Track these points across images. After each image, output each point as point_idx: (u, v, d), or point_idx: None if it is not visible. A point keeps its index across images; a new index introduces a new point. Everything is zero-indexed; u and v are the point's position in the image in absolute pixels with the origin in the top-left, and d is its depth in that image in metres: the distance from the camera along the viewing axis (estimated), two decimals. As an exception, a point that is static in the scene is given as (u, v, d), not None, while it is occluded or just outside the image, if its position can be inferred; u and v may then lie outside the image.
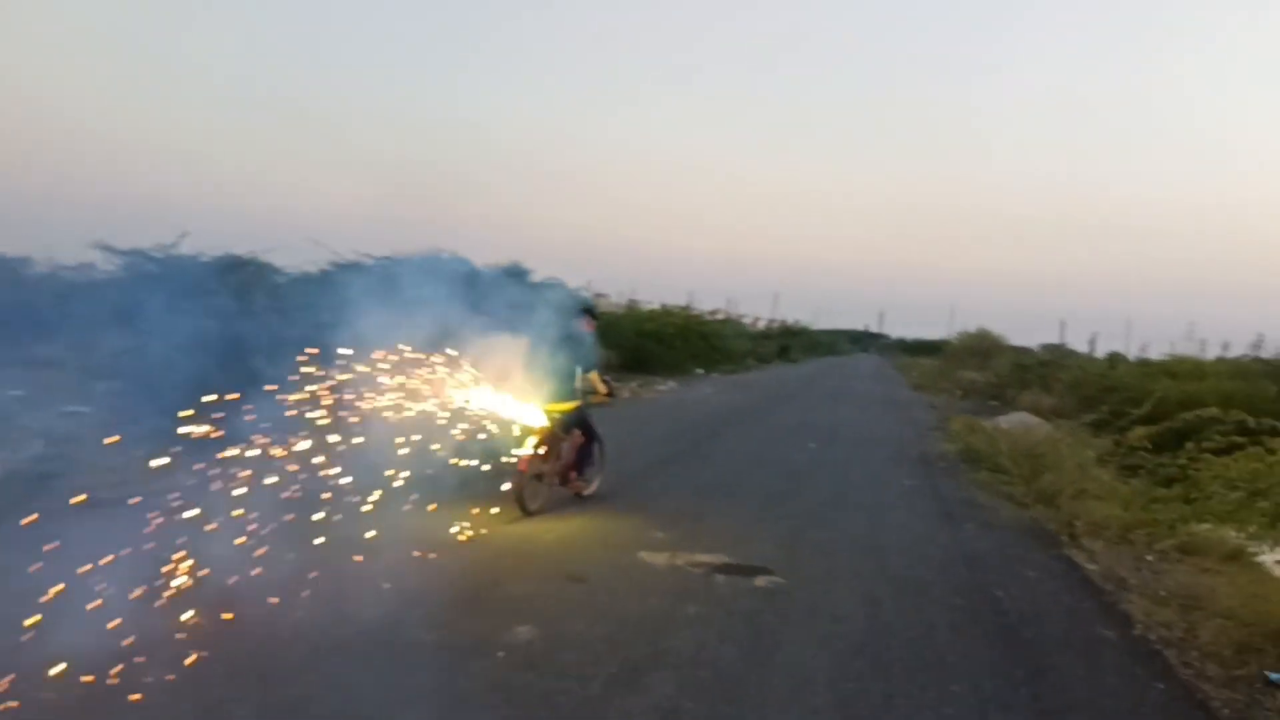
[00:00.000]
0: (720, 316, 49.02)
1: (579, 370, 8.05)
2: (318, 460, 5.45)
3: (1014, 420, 21.56)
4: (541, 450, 7.69)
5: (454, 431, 6.72)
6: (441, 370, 6.70)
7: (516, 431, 7.48)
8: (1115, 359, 34.67)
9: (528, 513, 7.41)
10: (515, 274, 28.72)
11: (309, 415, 5.62)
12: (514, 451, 7.42)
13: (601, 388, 8.28)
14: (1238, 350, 34.34)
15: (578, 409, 8.10)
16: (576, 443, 8.23)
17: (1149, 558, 8.42)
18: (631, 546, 6.64)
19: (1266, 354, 33.92)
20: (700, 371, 32.69)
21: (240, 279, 12.74)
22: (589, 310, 8.63)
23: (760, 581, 5.97)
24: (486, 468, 7.03)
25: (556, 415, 7.82)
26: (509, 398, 7.31)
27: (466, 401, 6.88)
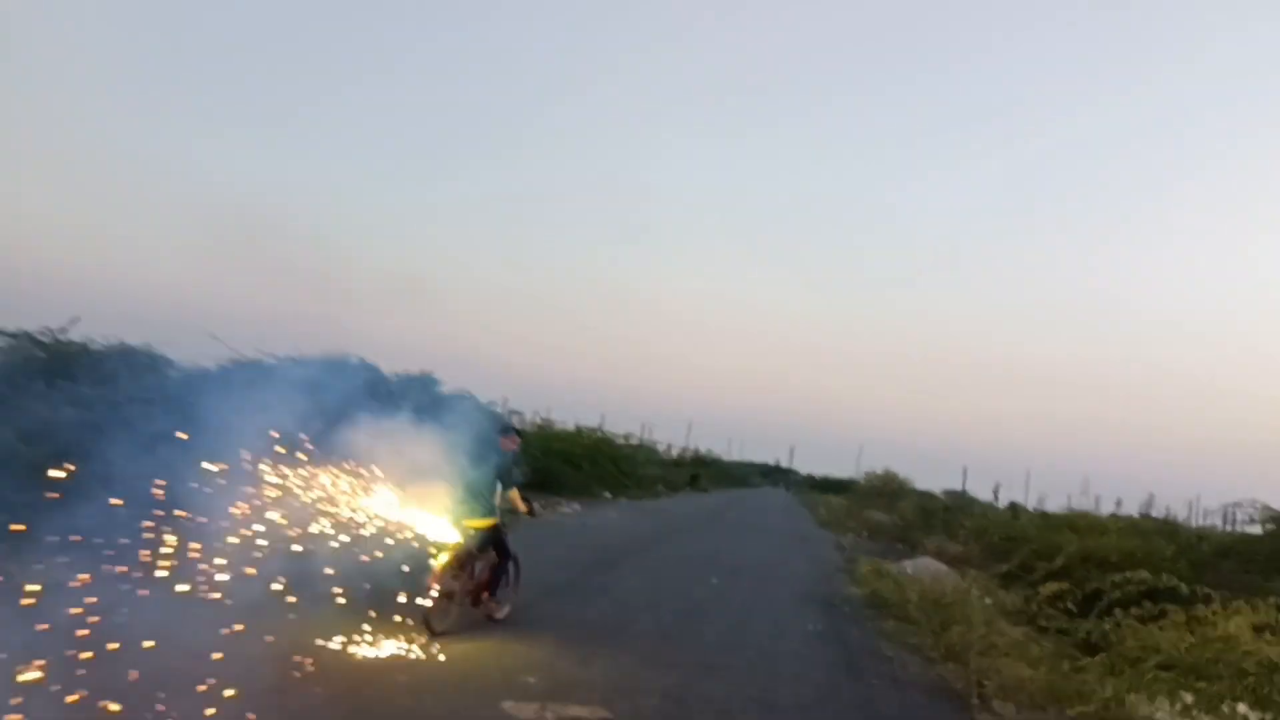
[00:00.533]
0: (634, 441, 48.51)
1: (499, 487, 7.85)
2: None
3: (920, 566, 21.17)
4: (453, 567, 7.38)
5: (351, 540, 6.61)
6: (347, 478, 6.63)
7: (429, 546, 7.29)
8: (1016, 509, 35.12)
9: (434, 633, 6.99)
10: (425, 384, 27.77)
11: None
12: (430, 566, 7.18)
13: (522, 506, 8.13)
14: (1130, 507, 35.31)
15: (495, 527, 7.85)
16: (491, 562, 7.92)
17: (1063, 725, 7.86)
18: (497, 692, 5.74)
19: (1157, 513, 34.94)
20: (608, 495, 31.78)
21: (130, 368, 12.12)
22: (512, 428, 8.44)
23: (640, 746, 5.14)
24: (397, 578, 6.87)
25: (473, 532, 7.57)
26: (423, 510, 7.16)
27: (371, 512, 6.77)
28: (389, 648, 6.53)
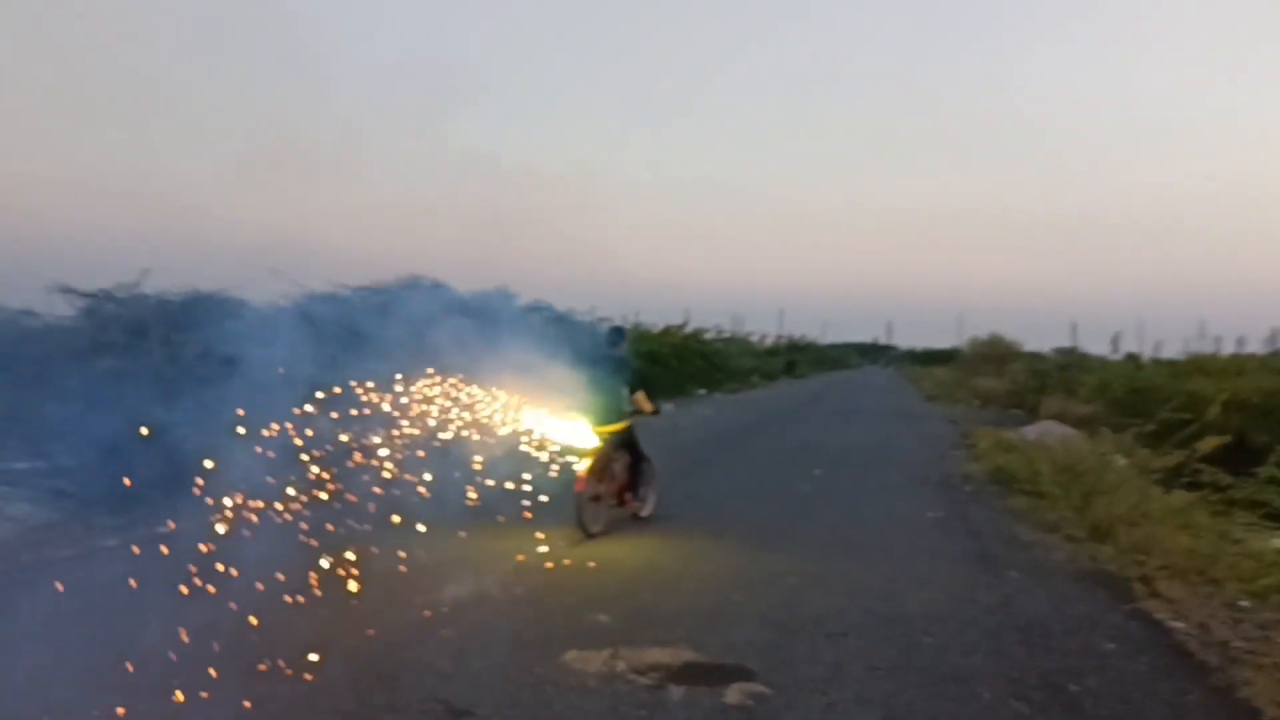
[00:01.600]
0: (724, 335, 47.41)
1: (625, 391, 8.14)
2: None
3: (1042, 430, 19.66)
4: (596, 471, 7.70)
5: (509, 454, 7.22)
6: (495, 397, 7.17)
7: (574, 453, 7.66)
8: (1137, 360, 32.72)
9: (590, 535, 7.49)
10: (501, 298, 27.03)
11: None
12: (576, 472, 7.54)
13: (648, 406, 8.38)
14: (1253, 346, 32.49)
15: (627, 429, 8.16)
16: (627, 463, 8.22)
17: (1244, 603, 6.59)
18: (560, 640, 4.83)
19: None
20: (702, 392, 30.95)
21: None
22: (623, 333, 8.69)
23: (733, 696, 4.13)
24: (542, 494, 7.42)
25: (608, 436, 7.86)
26: (562, 420, 7.57)
27: (521, 425, 7.32)
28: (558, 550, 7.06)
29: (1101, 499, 8.44)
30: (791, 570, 6.60)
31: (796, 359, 61.59)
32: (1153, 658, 5.01)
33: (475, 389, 7.12)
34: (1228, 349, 32.90)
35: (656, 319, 36.24)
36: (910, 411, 26.63)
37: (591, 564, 6.76)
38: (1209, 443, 7.89)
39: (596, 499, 7.73)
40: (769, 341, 65.60)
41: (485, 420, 7.20)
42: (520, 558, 6.82)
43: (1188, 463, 9.06)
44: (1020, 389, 30.78)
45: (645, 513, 8.41)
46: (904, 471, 12.51)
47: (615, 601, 5.66)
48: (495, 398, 7.23)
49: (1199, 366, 24.40)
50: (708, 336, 41.99)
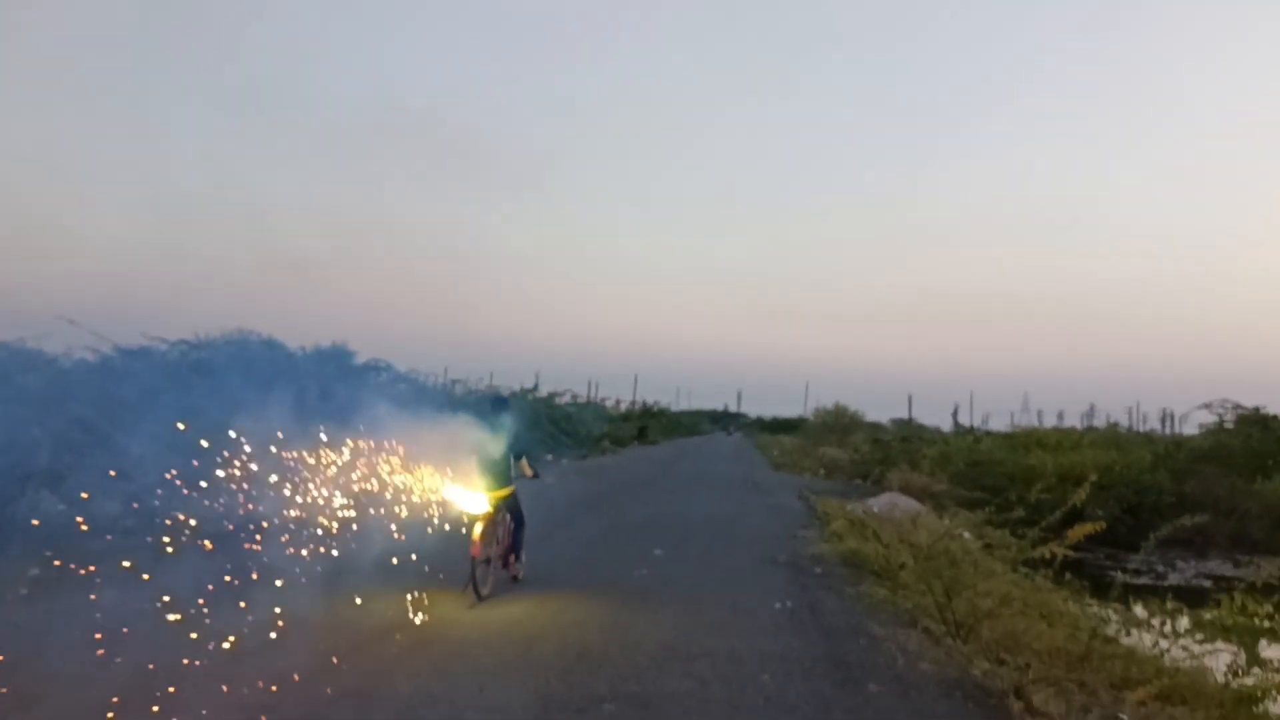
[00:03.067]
0: (579, 400, 46.32)
1: (512, 458, 8.36)
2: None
3: (888, 502, 19.30)
4: (487, 535, 7.84)
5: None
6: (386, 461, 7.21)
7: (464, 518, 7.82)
8: (974, 433, 33.59)
9: (480, 598, 7.59)
10: (337, 355, 24.89)
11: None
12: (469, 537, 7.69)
13: (529, 471, 8.73)
14: (1072, 419, 34.32)
15: (513, 494, 8.38)
16: (509, 528, 8.42)
17: (1122, 716, 5.80)
18: None
19: (1098, 423, 33.96)
20: (549, 457, 29.52)
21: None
22: (505, 401, 8.93)
23: None
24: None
25: (497, 501, 8.03)
26: (458, 486, 7.72)
27: (417, 490, 7.41)
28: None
29: (964, 590, 7.59)
30: (614, 694, 5.32)
31: (648, 425, 60.99)
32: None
33: (369, 454, 7.15)
34: (1049, 422, 34.45)
35: (509, 382, 34.95)
36: (758, 481, 26.03)
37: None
38: (1082, 529, 7.19)
39: (487, 562, 7.91)
40: (623, 407, 64.92)
41: (373, 486, 7.21)
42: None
43: (1029, 538, 8.40)
44: (865, 459, 30.92)
45: (521, 575, 8.56)
46: (751, 551, 11.49)
47: None
48: (387, 463, 7.25)
49: (1035, 440, 24.91)
50: (560, 401, 40.80)
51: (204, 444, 6.63)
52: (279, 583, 6.35)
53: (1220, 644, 6.56)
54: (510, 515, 8.40)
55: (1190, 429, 30.27)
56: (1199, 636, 6.86)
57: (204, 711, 4.58)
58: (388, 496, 7.25)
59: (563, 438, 34.47)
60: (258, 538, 6.46)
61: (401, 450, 7.28)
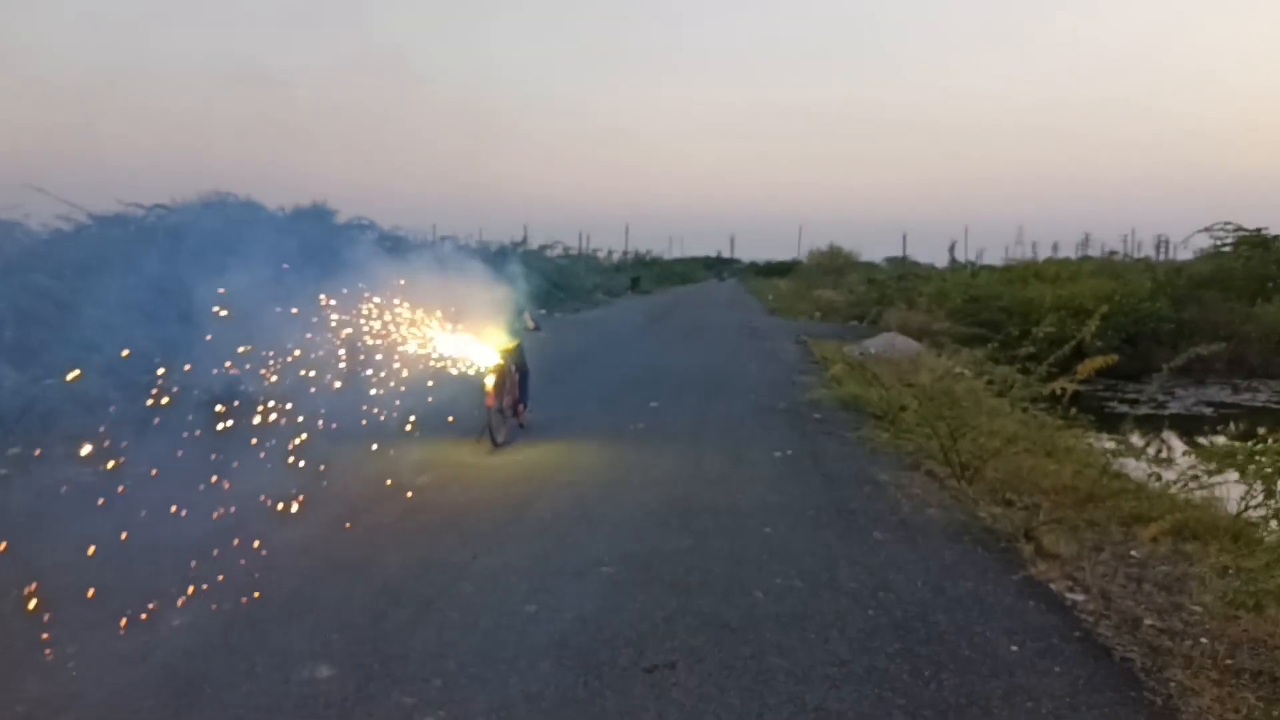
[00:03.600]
0: (571, 252, 45.70)
1: (519, 310, 8.66)
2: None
3: (885, 343, 19.13)
4: (499, 386, 8.12)
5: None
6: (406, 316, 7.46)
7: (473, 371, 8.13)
8: (972, 267, 33.15)
9: (496, 445, 7.97)
10: (318, 215, 24.18)
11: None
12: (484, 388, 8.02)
13: (531, 324, 8.98)
14: (1067, 249, 33.88)
15: (519, 346, 8.69)
16: (516, 378, 8.71)
17: (1134, 554, 5.67)
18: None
19: (1094, 252, 33.55)
20: (542, 312, 29.21)
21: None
22: (507, 254, 9.94)
23: None
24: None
25: (506, 353, 8.33)
26: (471, 339, 8.02)
27: (434, 345, 7.67)
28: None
29: (969, 432, 7.39)
30: (612, 556, 5.14)
31: (640, 275, 60.44)
32: (1067, 666, 3.82)
33: (391, 309, 7.40)
34: (1044, 254, 34.02)
35: (498, 236, 34.27)
36: (754, 327, 25.81)
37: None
38: (1093, 363, 6.91)
39: (501, 411, 8.24)
40: (615, 258, 64.23)
41: (396, 339, 7.44)
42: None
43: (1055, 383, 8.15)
44: (860, 300, 30.64)
45: (526, 422, 8.92)
46: (748, 400, 11.30)
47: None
48: (406, 319, 7.49)
49: (1034, 273, 24.55)
50: (552, 254, 40.15)
51: (222, 313, 6.27)
52: (298, 439, 6.05)
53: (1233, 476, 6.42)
54: (515, 367, 8.68)
55: (1187, 254, 29.93)
56: (1208, 467, 6.71)
57: (201, 587, 4.38)
58: (397, 351, 7.47)
59: (556, 291, 34.07)
60: (262, 404, 6.05)
61: (408, 305, 7.49)
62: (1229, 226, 25.12)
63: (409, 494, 6.39)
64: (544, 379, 11.90)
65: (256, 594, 4.38)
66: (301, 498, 5.81)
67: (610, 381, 12.91)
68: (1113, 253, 30.29)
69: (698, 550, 5.26)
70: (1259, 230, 24.42)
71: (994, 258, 33.27)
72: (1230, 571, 5.12)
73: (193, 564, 4.66)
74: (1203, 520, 6.11)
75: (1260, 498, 5.89)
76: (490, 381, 8.03)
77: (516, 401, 8.75)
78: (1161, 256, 31.21)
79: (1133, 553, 5.68)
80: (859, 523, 5.91)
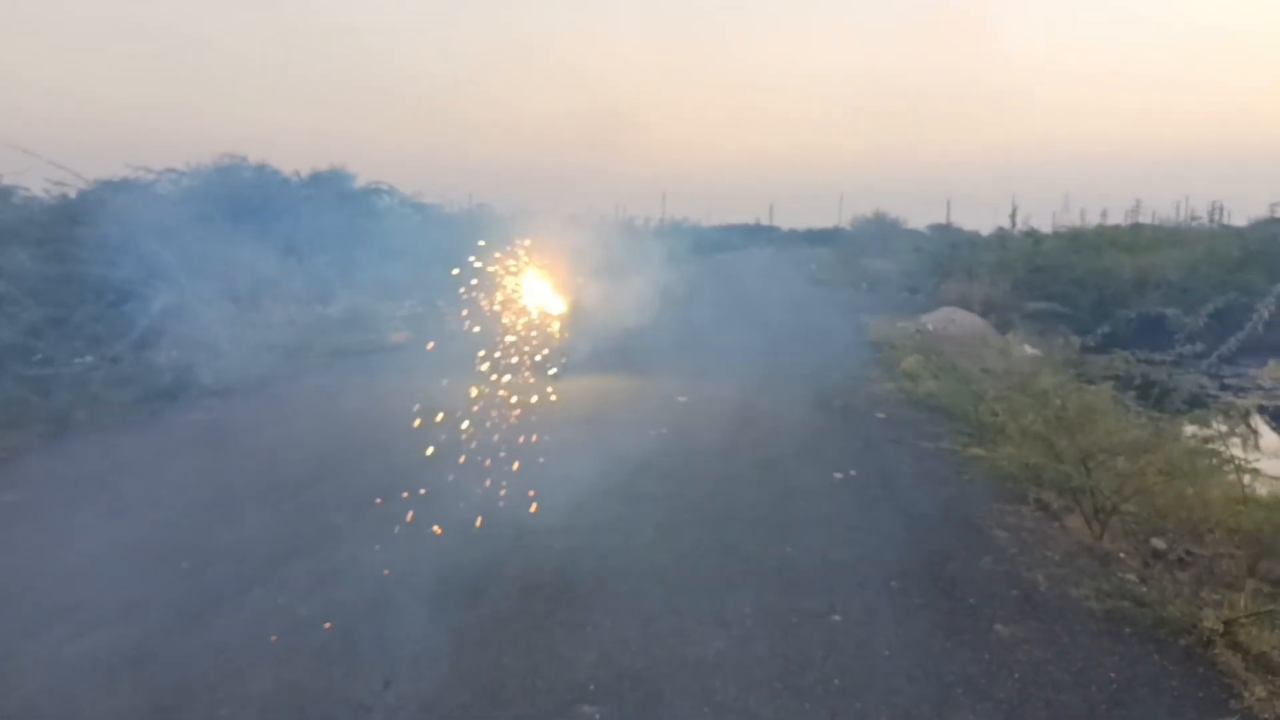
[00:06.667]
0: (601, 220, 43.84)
1: None
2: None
3: (944, 319, 17.14)
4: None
5: None
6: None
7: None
8: (1035, 234, 30.70)
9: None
10: (336, 179, 22.68)
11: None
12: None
13: None
14: (1115, 218, 31.34)
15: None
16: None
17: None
18: None
19: (1144, 219, 31.02)
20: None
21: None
22: None
23: None
24: None
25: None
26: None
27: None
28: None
29: (1097, 453, 5.50)
30: (600, 680, 3.39)
31: (677, 242, 58.28)
32: None
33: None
34: (1092, 221, 31.53)
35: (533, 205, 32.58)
36: (797, 300, 23.73)
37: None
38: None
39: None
40: (652, 225, 62.17)
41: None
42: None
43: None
44: (911, 270, 28.45)
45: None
46: (794, 393, 9.37)
47: None
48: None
49: (1109, 239, 22.24)
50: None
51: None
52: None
53: None
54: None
55: (1242, 222, 27.38)
56: None
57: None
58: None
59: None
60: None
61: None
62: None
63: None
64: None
65: None
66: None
67: (632, 367, 11.03)
68: (1195, 217, 27.62)
69: (727, 664, 3.49)
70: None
71: (1041, 224, 30.80)
72: None
73: None
74: None
75: None
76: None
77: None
78: (1213, 225, 28.70)
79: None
80: (967, 602, 4.10)
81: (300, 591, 4.11)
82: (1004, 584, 4.32)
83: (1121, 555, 4.89)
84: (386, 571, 4.33)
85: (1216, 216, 29.59)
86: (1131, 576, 4.52)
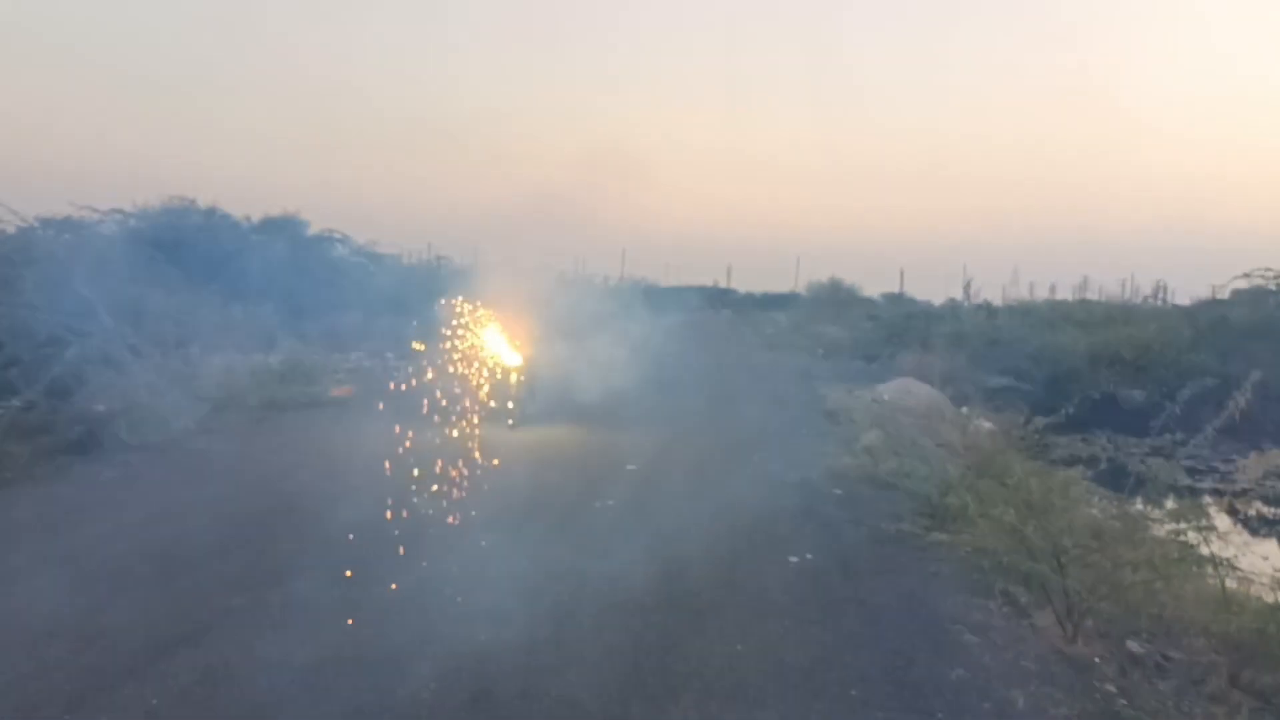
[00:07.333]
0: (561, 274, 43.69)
1: None
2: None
3: (899, 389, 16.95)
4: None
5: None
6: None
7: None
8: (989, 307, 31.01)
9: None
10: (289, 226, 22.10)
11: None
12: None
13: None
14: (1063, 292, 31.94)
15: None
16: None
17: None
18: None
19: (1092, 296, 31.64)
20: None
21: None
22: None
23: None
24: None
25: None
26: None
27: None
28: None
29: (1070, 544, 5.14)
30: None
31: (633, 302, 58.33)
32: None
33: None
34: (1040, 295, 32.06)
35: (491, 258, 32.18)
36: (754, 365, 23.48)
37: None
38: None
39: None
40: (610, 283, 62.14)
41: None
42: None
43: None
44: (866, 338, 28.48)
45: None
46: (749, 463, 8.98)
47: None
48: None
49: (1063, 315, 22.41)
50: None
51: None
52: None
53: None
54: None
55: (1184, 300, 27.83)
56: None
57: None
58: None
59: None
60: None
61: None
62: (1269, 272, 23.05)
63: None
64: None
65: None
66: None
67: (580, 429, 10.59)
68: (1144, 296, 28.09)
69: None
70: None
71: (992, 296, 31.28)
72: None
73: None
74: None
75: None
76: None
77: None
78: (1160, 304, 29.28)
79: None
80: (937, 719, 3.67)
81: (177, 691, 3.56)
82: (976, 698, 3.89)
83: (1097, 660, 4.52)
84: (277, 667, 3.79)
85: (1161, 295, 30.19)
86: (1111, 688, 4.14)
